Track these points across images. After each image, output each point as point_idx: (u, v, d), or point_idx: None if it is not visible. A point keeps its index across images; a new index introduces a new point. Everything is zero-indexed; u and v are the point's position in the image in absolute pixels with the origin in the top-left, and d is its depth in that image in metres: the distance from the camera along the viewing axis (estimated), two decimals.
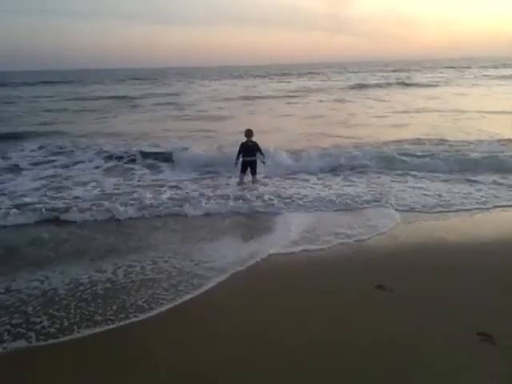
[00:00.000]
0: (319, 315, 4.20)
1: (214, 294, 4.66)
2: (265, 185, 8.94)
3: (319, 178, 9.46)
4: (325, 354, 3.58)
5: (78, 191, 8.76)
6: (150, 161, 11.52)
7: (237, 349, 3.71)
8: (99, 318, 4.22)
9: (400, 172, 9.70)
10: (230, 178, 9.54)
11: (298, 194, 8.21)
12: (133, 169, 10.90)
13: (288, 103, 27.44)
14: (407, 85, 39.43)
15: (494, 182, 8.57)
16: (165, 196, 8.22)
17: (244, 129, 9.42)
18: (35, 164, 11.38)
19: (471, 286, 4.66)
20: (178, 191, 8.61)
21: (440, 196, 7.82)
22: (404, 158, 10.51)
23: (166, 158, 11.51)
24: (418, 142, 12.83)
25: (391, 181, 9.10)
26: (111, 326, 4.09)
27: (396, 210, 7.21)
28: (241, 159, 9.13)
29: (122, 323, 4.13)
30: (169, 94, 36.62)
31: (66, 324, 4.13)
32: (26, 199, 8.17)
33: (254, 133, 9.28)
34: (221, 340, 3.86)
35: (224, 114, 22.05)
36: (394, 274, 4.99)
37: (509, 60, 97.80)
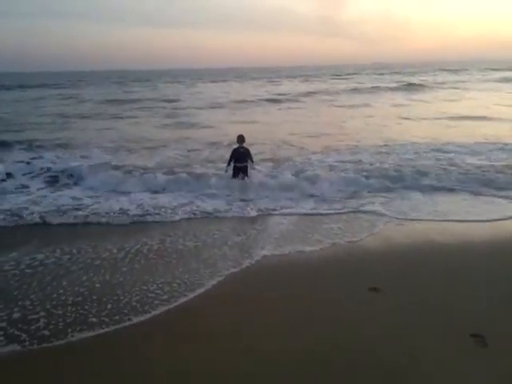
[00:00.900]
0: (313, 317, 4.22)
1: (209, 297, 4.67)
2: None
3: None
4: (318, 355, 3.61)
5: None
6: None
7: (232, 350, 3.72)
8: (94, 320, 4.20)
9: None
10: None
11: None
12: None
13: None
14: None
15: None
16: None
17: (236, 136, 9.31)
18: None
19: (464, 288, 4.73)
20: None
21: None
22: None
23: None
24: None
25: None
26: (106, 330, 4.07)
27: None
28: (232, 164, 9.12)
29: (116, 326, 4.12)
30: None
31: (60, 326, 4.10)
32: None
33: None
34: (216, 342, 3.87)
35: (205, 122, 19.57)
36: (387, 276, 5.04)
37: (502, 63, 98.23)
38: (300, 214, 7.34)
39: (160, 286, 4.87)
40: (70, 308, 4.43)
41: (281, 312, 4.33)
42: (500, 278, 4.96)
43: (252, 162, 9.19)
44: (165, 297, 4.63)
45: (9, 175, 9.61)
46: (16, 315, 4.30)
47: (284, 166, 10.37)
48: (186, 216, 7.32)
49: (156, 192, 8.70)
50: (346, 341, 3.83)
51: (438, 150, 12.00)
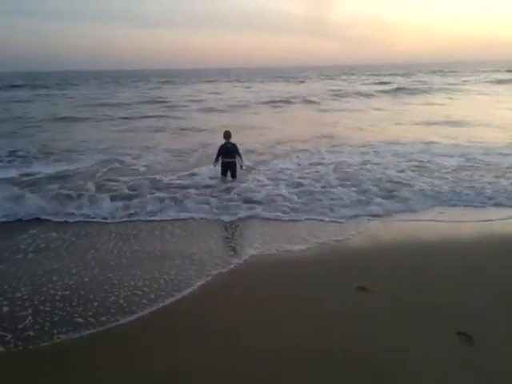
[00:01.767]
0: (301, 316, 4.23)
1: (197, 296, 4.65)
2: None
3: None
4: (307, 354, 3.62)
5: None
6: None
7: (221, 349, 3.72)
8: (80, 320, 4.16)
9: None
10: None
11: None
12: None
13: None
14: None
15: None
16: None
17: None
18: None
19: (451, 287, 4.78)
20: None
21: None
22: None
23: None
24: None
25: None
26: (93, 330, 4.03)
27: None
28: (220, 160, 9.15)
29: (104, 326, 4.08)
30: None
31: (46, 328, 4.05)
32: None
33: None
34: (205, 341, 3.85)
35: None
36: (375, 275, 5.08)
37: (485, 64, 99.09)
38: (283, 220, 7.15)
39: (147, 285, 4.84)
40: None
41: (269, 311, 4.33)
42: (489, 278, 5.02)
43: (240, 157, 9.22)
44: (152, 296, 4.60)
45: None
46: None
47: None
48: (168, 218, 7.23)
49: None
50: (334, 339, 3.84)
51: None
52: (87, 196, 8.03)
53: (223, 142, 9.18)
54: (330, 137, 15.16)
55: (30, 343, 3.84)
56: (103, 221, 7.09)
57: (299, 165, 10.87)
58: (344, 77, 67.07)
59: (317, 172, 9.94)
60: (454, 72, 72.24)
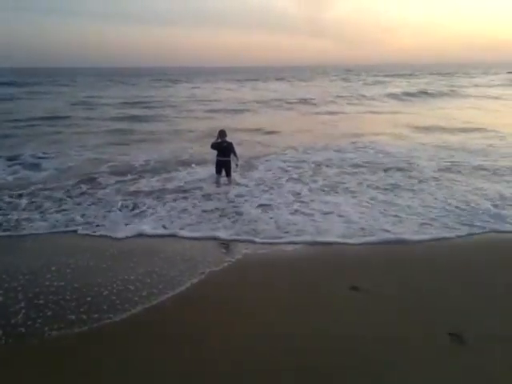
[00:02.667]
0: (294, 317, 4.24)
1: (190, 294, 4.65)
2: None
3: None
4: (300, 354, 3.64)
5: None
6: None
7: (213, 348, 3.72)
8: (72, 318, 4.15)
9: None
10: None
11: None
12: None
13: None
14: None
15: None
16: None
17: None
18: None
19: (444, 287, 4.81)
20: None
21: None
22: None
23: None
24: None
25: None
26: (85, 328, 4.02)
27: None
28: (215, 158, 9.13)
29: (96, 324, 4.07)
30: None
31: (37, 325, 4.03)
32: None
33: None
34: (198, 339, 3.86)
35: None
36: (369, 275, 5.09)
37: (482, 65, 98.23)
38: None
39: (140, 283, 4.83)
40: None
41: (261, 312, 4.33)
42: (482, 278, 5.05)
43: (236, 156, 9.18)
44: (144, 294, 4.60)
45: None
46: None
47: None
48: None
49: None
50: (326, 339, 3.85)
51: None
52: None
53: (218, 140, 9.07)
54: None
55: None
56: None
57: None
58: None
59: None
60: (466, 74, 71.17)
